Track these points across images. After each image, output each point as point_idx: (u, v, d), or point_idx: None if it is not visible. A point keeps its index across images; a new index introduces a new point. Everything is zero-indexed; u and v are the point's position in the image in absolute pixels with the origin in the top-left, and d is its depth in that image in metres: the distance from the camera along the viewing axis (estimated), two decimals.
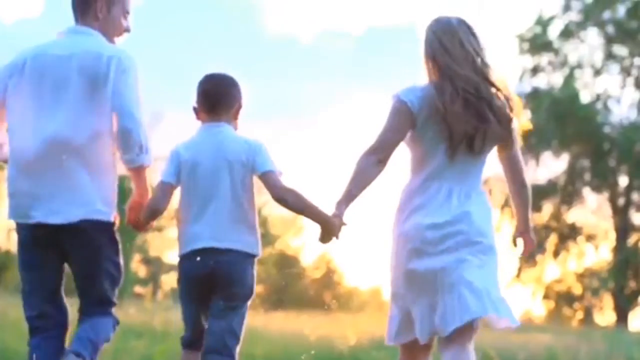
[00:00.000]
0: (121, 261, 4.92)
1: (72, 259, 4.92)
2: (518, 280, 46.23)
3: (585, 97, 46.46)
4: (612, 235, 46.35)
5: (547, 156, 46.65)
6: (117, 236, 4.88)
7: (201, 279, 4.90)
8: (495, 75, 4.67)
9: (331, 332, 13.67)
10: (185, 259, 4.98)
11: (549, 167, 47.14)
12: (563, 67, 47.05)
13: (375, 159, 4.55)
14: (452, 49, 4.61)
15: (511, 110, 4.76)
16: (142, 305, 24.04)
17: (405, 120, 4.56)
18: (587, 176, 46.90)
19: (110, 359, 9.51)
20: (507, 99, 4.72)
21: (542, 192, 46.66)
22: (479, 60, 4.63)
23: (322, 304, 45.39)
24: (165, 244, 44.92)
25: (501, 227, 47.25)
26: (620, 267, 44.48)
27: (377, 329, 15.35)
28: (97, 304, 4.93)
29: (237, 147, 4.97)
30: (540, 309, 49.11)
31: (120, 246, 4.90)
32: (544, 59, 47.22)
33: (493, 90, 4.62)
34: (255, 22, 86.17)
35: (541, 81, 47.44)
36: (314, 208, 4.78)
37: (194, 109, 5.15)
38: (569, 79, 46.58)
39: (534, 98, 46.34)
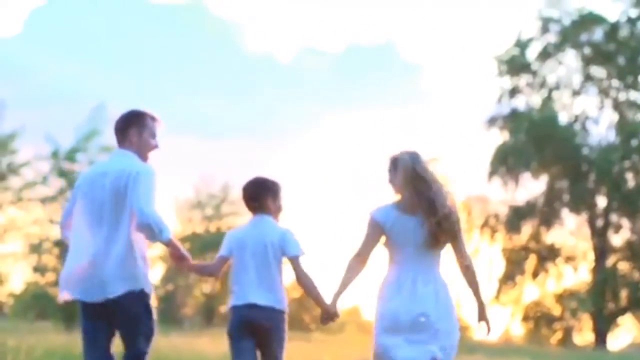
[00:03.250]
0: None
1: None
2: (497, 301, 46.29)
3: (563, 118, 46.72)
4: (591, 256, 46.49)
5: (525, 177, 46.83)
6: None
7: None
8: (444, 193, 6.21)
9: (309, 358, 13.61)
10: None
11: (528, 188, 47.36)
12: (541, 89, 47.30)
13: (359, 260, 6.14)
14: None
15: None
16: None
17: (377, 232, 6.14)
18: (566, 197, 47.04)
19: None
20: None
21: (521, 213, 46.83)
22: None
23: (301, 325, 45.29)
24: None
25: (480, 247, 47.44)
26: (599, 288, 44.58)
27: (357, 354, 15.31)
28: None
29: (274, 235, 6.58)
30: (519, 330, 49.20)
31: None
32: (523, 80, 47.48)
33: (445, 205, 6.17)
34: (234, 40, 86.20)
35: (520, 102, 47.75)
36: (320, 297, 6.44)
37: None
38: (547, 100, 46.80)
39: (512, 119, 46.57)
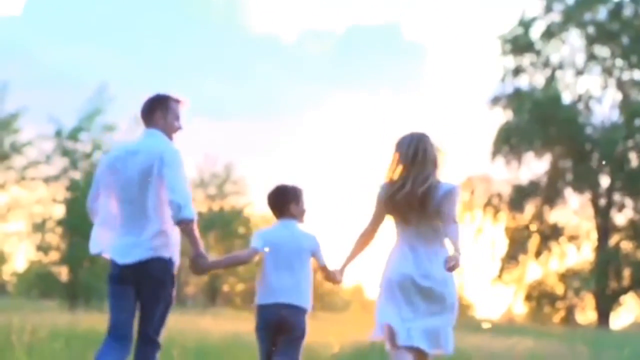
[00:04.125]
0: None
1: None
2: (500, 280, 46.34)
3: (567, 98, 46.61)
4: (594, 236, 46.49)
5: (529, 157, 46.78)
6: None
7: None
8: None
9: (314, 337, 13.62)
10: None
11: (531, 167, 47.30)
12: (545, 68, 47.14)
13: (367, 233, 6.61)
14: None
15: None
16: None
17: (383, 208, 6.53)
18: (569, 177, 46.99)
19: None
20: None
21: (524, 192, 46.80)
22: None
23: None
24: None
25: (483, 226, 47.48)
26: (602, 267, 44.60)
27: (360, 333, 15.31)
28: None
29: (306, 240, 7.16)
30: (521, 309, 49.28)
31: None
32: (526, 59, 47.32)
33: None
34: (238, 21, 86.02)
35: (523, 82, 47.59)
36: (332, 276, 6.94)
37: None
38: (551, 79, 46.68)
39: (516, 99, 46.45)
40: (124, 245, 6.63)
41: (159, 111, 6.87)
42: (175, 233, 6.66)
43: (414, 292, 6.26)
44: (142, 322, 6.64)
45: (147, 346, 6.64)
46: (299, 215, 7.24)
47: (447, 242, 6.37)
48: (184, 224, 6.47)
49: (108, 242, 6.75)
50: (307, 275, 7.10)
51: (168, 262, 6.64)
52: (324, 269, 7.07)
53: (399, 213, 6.42)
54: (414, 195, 6.34)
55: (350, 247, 6.71)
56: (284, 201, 7.23)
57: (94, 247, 6.78)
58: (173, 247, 6.67)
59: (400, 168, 6.45)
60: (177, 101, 6.92)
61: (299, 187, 7.32)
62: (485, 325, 21.11)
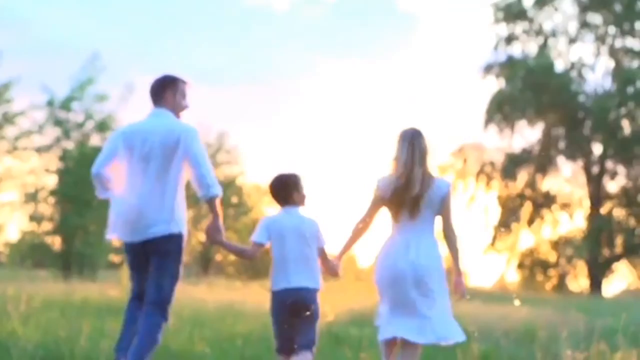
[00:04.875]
0: None
1: None
2: (493, 248, 46.47)
3: (559, 66, 46.58)
4: (587, 203, 46.62)
5: (521, 125, 46.82)
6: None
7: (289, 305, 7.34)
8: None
9: None
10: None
11: (524, 135, 47.37)
12: (538, 36, 47.11)
13: (363, 223, 7.00)
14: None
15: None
16: (117, 276, 23.94)
17: (380, 200, 6.93)
18: (562, 144, 47.06)
19: (87, 340, 9.44)
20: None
21: (517, 160, 46.87)
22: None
23: None
24: None
25: (475, 195, 47.54)
26: (595, 234, 44.75)
27: (354, 302, 15.38)
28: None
29: (310, 226, 7.40)
30: (514, 277, 49.43)
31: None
32: (519, 27, 47.28)
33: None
34: None
35: (516, 50, 47.60)
36: (330, 264, 7.36)
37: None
38: (544, 47, 46.65)
39: (508, 67, 46.43)
40: (139, 223, 7.02)
41: (169, 91, 7.31)
42: (184, 208, 7.15)
43: (409, 285, 6.67)
44: (150, 290, 7.08)
45: (155, 316, 7.05)
46: (300, 201, 7.53)
47: (446, 245, 6.91)
48: (212, 201, 6.99)
49: (122, 222, 7.11)
50: (314, 258, 7.41)
51: (180, 237, 7.08)
52: (322, 252, 7.39)
53: (396, 206, 6.84)
54: (412, 190, 6.77)
55: (346, 238, 7.14)
56: (286, 190, 7.50)
57: (111, 233, 7.17)
58: (184, 222, 7.13)
59: (398, 163, 6.88)
60: (184, 82, 7.39)
61: (298, 174, 7.61)
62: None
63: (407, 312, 6.72)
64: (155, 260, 7.08)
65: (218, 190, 7.03)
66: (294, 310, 7.33)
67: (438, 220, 6.86)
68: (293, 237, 7.38)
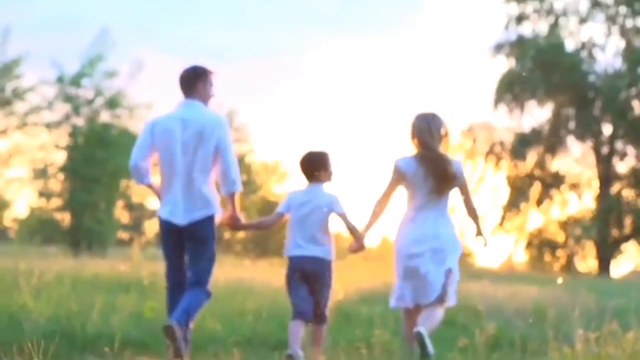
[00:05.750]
0: None
1: None
2: (501, 228, 46.41)
3: (570, 46, 46.38)
4: (596, 184, 46.51)
5: (531, 105, 46.66)
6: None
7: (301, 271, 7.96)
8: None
9: None
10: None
11: (534, 115, 47.19)
12: (548, 15, 46.86)
13: (383, 201, 7.64)
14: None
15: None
16: (126, 253, 23.98)
17: (399, 179, 7.61)
18: (572, 125, 46.94)
19: (99, 315, 9.47)
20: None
21: (526, 140, 46.74)
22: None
23: None
24: (148, 190, 44.60)
25: (484, 175, 47.47)
26: (603, 215, 44.67)
27: (363, 281, 15.39)
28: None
29: (327, 199, 7.99)
30: (522, 257, 49.38)
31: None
32: (529, 6, 47.02)
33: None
34: None
35: (526, 29, 47.31)
36: (358, 234, 7.90)
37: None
38: (554, 27, 46.45)
39: (519, 46, 46.25)
40: (177, 208, 7.50)
41: (200, 82, 7.70)
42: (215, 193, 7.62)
43: (426, 257, 7.42)
44: (192, 272, 7.55)
45: (198, 290, 7.49)
46: (326, 179, 8.08)
47: (465, 212, 7.65)
48: (233, 195, 7.56)
49: (163, 203, 7.63)
50: (327, 231, 7.97)
51: (213, 221, 7.56)
52: (345, 219, 7.92)
53: (417, 185, 7.44)
54: (437, 170, 7.38)
55: (369, 216, 7.74)
56: (313, 168, 8.04)
57: (163, 212, 7.62)
58: (216, 206, 7.58)
59: (418, 144, 7.52)
60: (212, 72, 7.79)
61: (327, 152, 8.14)
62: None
63: (419, 282, 7.49)
64: (194, 244, 7.53)
65: (240, 187, 7.57)
66: (306, 276, 7.91)
67: (456, 196, 7.50)
68: (311, 211, 7.91)
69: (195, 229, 7.51)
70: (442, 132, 7.63)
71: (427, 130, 7.56)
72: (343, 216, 7.98)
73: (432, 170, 7.49)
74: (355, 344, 7.49)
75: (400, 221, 7.77)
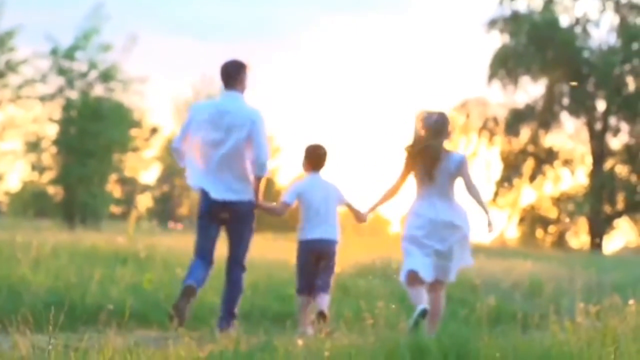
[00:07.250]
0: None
1: None
2: (494, 204, 46.46)
3: (564, 21, 46.36)
4: (589, 160, 46.61)
5: (525, 80, 46.66)
6: None
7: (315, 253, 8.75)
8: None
9: None
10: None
11: (528, 91, 47.22)
12: None
13: (394, 188, 8.03)
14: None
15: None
16: (120, 227, 23.95)
17: (409, 168, 7.96)
18: (565, 100, 46.96)
19: (98, 287, 9.49)
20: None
21: (520, 116, 46.79)
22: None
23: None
24: (141, 164, 44.63)
25: (478, 150, 47.52)
26: (596, 191, 44.80)
27: (358, 256, 15.39)
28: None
29: (333, 188, 8.85)
30: (514, 233, 49.48)
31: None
32: None
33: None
34: None
35: (521, 5, 47.22)
36: (359, 213, 8.73)
37: (303, 164, 8.95)
38: (549, 2, 46.37)
39: (513, 22, 46.19)
40: (216, 187, 8.10)
41: (242, 74, 8.32)
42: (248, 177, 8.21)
43: (434, 228, 7.70)
44: (232, 249, 8.32)
45: (237, 268, 8.31)
46: (324, 168, 8.89)
47: (470, 200, 7.94)
48: (260, 178, 8.16)
49: (201, 181, 8.17)
50: (335, 215, 8.81)
51: (249, 203, 8.21)
52: (348, 205, 8.82)
53: (421, 171, 7.80)
54: (424, 161, 7.77)
55: (378, 196, 8.17)
56: (318, 160, 8.85)
57: (195, 182, 8.22)
58: (251, 189, 8.19)
59: (423, 136, 7.82)
60: (249, 66, 8.40)
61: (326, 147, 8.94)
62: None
63: (428, 256, 7.73)
64: (234, 224, 8.22)
65: (266, 172, 8.19)
66: (318, 256, 8.67)
67: (459, 183, 7.85)
68: (319, 198, 8.74)
69: (232, 208, 8.12)
70: (438, 127, 7.95)
71: (421, 125, 7.90)
72: (347, 203, 8.85)
73: (421, 158, 7.87)
74: (361, 315, 7.49)
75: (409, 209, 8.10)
